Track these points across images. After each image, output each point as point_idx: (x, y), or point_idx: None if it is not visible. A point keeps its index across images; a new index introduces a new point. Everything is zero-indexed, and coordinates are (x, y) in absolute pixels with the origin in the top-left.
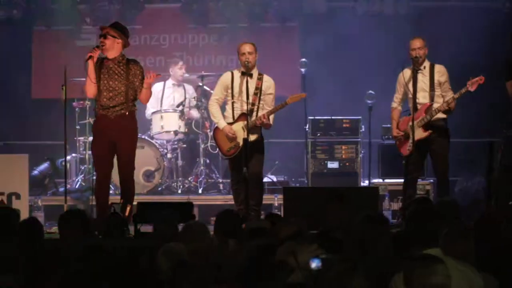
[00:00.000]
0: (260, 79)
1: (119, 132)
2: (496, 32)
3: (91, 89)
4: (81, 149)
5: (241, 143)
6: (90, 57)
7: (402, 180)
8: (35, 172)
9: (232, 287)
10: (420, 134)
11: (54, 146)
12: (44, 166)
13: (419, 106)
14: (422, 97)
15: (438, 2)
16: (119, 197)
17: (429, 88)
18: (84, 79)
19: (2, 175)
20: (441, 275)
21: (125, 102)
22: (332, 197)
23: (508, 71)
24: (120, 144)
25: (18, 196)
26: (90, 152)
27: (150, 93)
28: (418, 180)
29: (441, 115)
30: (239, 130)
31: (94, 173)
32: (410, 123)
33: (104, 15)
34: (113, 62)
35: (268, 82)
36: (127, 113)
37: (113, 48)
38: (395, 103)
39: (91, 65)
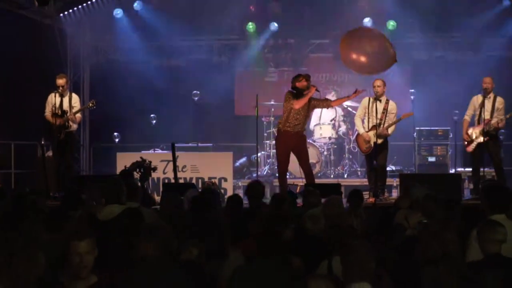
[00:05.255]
0: (387, 103)
1: (299, 142)
2: None
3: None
4: (267, 148)
5: (373, 145)
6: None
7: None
8: (237, 164)
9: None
10: (482, 139)
11: (249, 147)
12: (243, 159)
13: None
14: (486, 115)
15: None
16: (292, 180)
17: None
18: (271, 102)
19: (215, 165)
20: (500, 233)
21: (303, 124)
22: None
23: None
24: (301, 151)
25: (225, 180)
26: (274, 151)
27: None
28: (487, 169)
29: (493, 128)
30: (372, 136)
31: (276, 167)
32: (476, 131)
33: (282, 60)
34: None
35: (392, 106)
36: (303, 131)
37: None
38: (468, 117)
39: (310, 95)
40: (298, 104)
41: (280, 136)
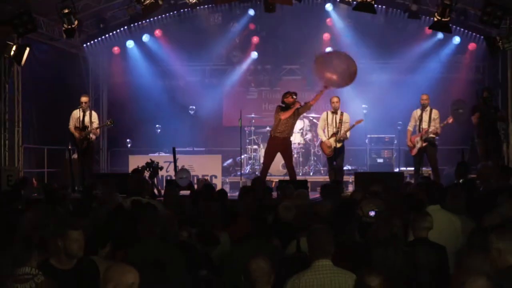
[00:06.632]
0: (341, 114)
1: (286, 147)
2: None
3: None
4: (249, 152)
5: (333, 149)
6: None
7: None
8: (224, 164)
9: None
10: (421, 144)
11: (234, 150)
12: (229, 161)
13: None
14: (424, 125)
15: None
16: (269, 177)
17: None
18: (252, 115)
19: (207, 165)
20: (428, 222)
21: (290, 130)
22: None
23: (472, 111)
24: (286, 153)
25: (215, 177)
26: (254, 154)
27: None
28: (424, 168)
29: (432, 135)
30: (332, 142)
31: (261, 165)
32: (417, 138)
33: (261, 82)
34: None
35: (346, 116)
36: (289, 137)
37: None
38: (410, 127)
39: (294, 109)
40: (284, 116)
41: (270, 140)
